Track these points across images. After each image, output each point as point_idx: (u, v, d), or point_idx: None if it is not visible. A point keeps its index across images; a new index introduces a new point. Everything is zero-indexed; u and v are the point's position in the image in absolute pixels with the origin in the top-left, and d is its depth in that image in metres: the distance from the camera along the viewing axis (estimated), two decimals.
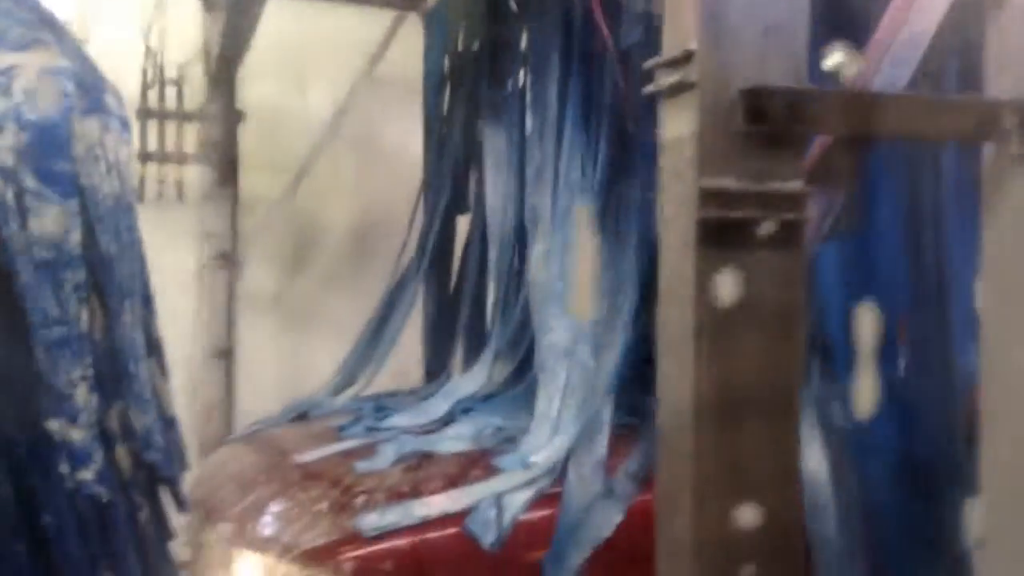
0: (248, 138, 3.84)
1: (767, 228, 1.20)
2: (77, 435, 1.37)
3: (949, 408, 1.88)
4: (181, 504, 1.61)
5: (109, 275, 1.51)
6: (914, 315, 1.91)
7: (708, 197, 1.18)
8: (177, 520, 1.50)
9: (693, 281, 1.20)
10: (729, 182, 1.19)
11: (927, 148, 1.85)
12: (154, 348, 1.65)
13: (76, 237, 1.49)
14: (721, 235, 1.19)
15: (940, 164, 1.88)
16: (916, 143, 1.83)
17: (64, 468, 1.35)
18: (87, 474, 1.37)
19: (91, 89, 1.49)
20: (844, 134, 1.29)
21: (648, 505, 1.93)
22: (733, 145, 1.19)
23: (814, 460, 1.92)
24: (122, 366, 1.51)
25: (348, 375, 3.17)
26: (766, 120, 1.18)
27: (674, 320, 1.26)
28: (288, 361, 4.19)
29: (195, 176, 3.85)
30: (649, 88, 1.26)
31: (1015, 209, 1.31)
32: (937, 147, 1.86)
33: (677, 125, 1.23)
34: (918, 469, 1.89)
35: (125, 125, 1.56)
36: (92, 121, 1.46)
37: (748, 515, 1.18)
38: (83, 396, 1.40)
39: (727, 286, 1.21)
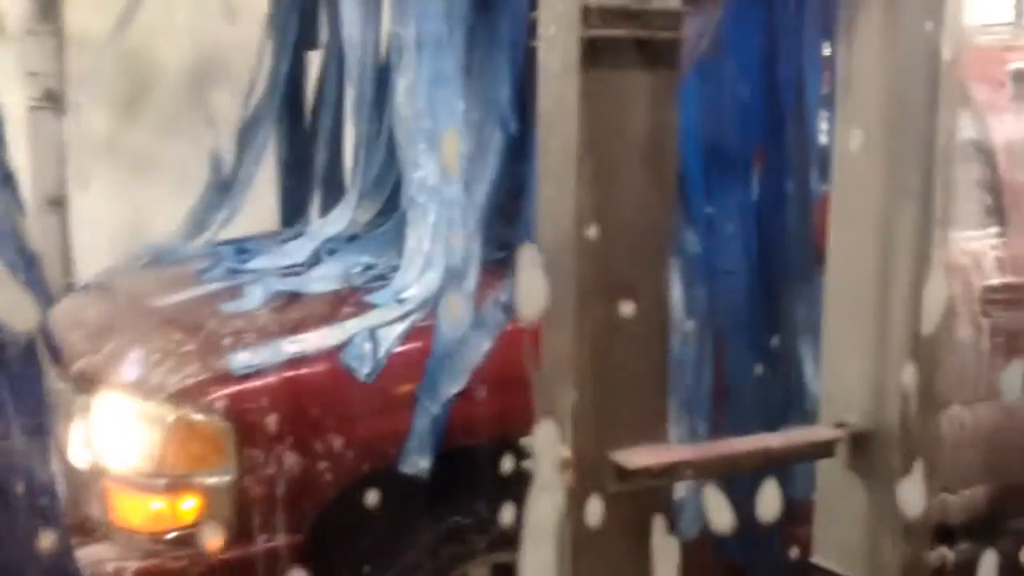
0: None
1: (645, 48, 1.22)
2: None
3: (800, 233, 2.02)
4: (50, 343, 1.55)
5: None
6: (770, 141, 2.01)
7: (591, 15, 1.19)
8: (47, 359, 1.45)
9: (575, 104, 1.22)
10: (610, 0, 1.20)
11: None
12: (7, 180, 1.53)
13: None
14: (603, 55, 1.20)
15: None
16: None
17: None
18: None
19: None
20: None
21: (518, 333, 2.03)
22: None
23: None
24: None
25: (199, 221, 3.05)
26: None
27: (554, 145, 1.28)
28: (128, 210, 3.98)
29: (14, 8, 3.49)
30: None
31: (869, 37, 1.38)
32: None
33: None
34: (769, 289, 2.05)
35: None
36: None
37: (626, 311, 1.25)
38: None
39: (608, 108, 1.23)
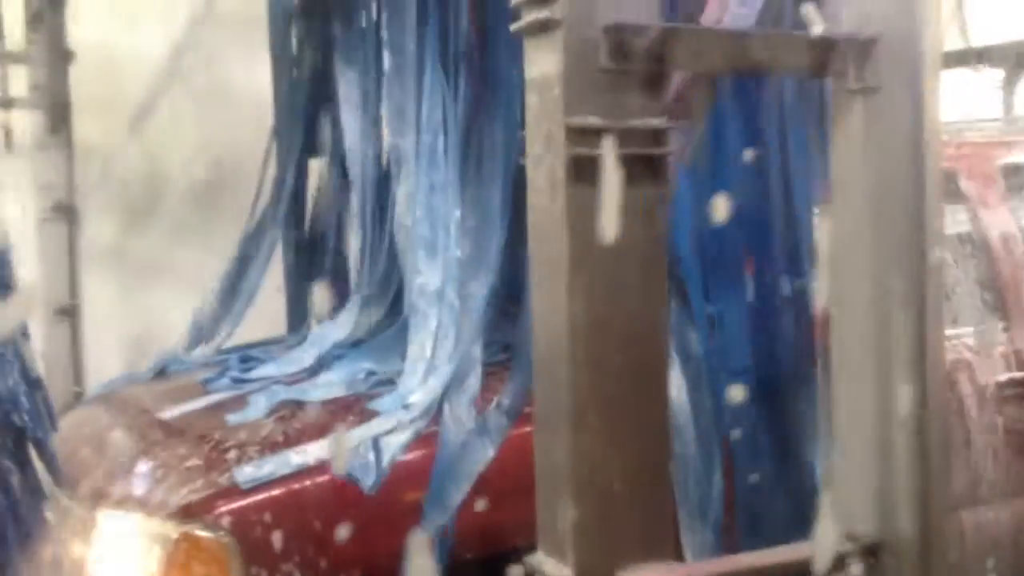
0: (80, 80, 3.59)
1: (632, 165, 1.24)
2: None
3: (797, 332, 2.01)
4: (52, 466, 1.55)
5: None
6: (760, 244, 2.03)
7: (575, 135, 1.21)
8: (48, 482, 1.44)
9: (563, 219, 1.24)
10: (595, 120, 1.22)
11: (772, 83, 1.95)
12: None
13: None
14: (589, 172, 1.22)
15: (783, 98, 1.99)
16: (762, 78, 1.92)
17: None
18: None
19: None
20: (701, 70, 1.34)
21: (522, 439, 2.01)
22: (598, 83, 1.22)
23: (674, 385, 2.02)
24: None
25: (205, 329, 3.08)
26: (628, 58, 1.22)
27: (545, 257, 1.30)
28: (136, 317, 4.02)
29: (24, 123, 3.59)
30: (514, 26, 1.26)
31: (854, 141, 1.41)
32: (781, 81, 1.96)
33: (542, 63, 1.25)
34: (770, 388, 2.03)
35: None
36: None
37: (624, 422, 1.24)
38: None
39: (596, 223, 1.25)
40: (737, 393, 1.95)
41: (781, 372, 2.00)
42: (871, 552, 1.32)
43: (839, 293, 1.42)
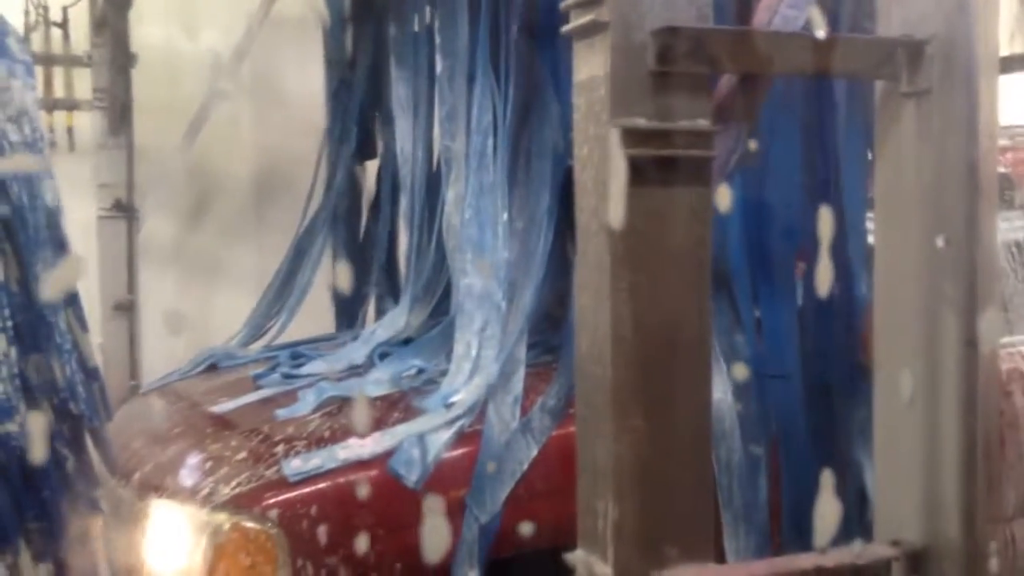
0: (142, 83, 3.69)
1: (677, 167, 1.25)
2: None
3: (845, 335, 1.99)
4: (106, 455, 1.60)
5: (22, 225, 1.47)
6: (811, 247, 2.01)
7: (622, 136, 1.22)
8: (102, 471, 1.49)
9: (609, 219, 1.25)
10: (641, 122, 1.23)
11: (822, 85, 1.93)
12: (71, 299, 1.61)
13: None
14: (634, 173, 1.23)
15: (834, 101, 1.97)
16: (812, 80, 1.90)
17: None
18: (12, 426, 1.34)
19: None
20: (747, 73, 1.34)
21: (565, 438, 2.02)
22: (644, 85, 1.23)
23: (719, 388, 2.02)
24: (39, 317, 1.47)
25: (257, 326, 3.14)
26: (676, 60, 1.22)
27: (591, 258, 1.31)
28: (192, 313, 4.11)
29: (87, 124, 3.70)
30: (563, 28, 1.28)
31: (905, 144, 1.39)
32: (831, 84, 1.94)
33: (590, 65, 1.26)
34: (818, 394, 2.01)
35: (30, 70, 1.50)
36: None
37: (665, 421, 1.24)
38: (2, 347, 1.37)
39: (640, 224, 1.25)
40: (783, 397, 1.93)
41: (829, 376, 1.98)
42: (917, 559, 1.30)
43: (887, 298, 1.40)
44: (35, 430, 1.34)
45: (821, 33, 1.32)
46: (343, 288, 3.19)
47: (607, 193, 1.24)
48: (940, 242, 1.30)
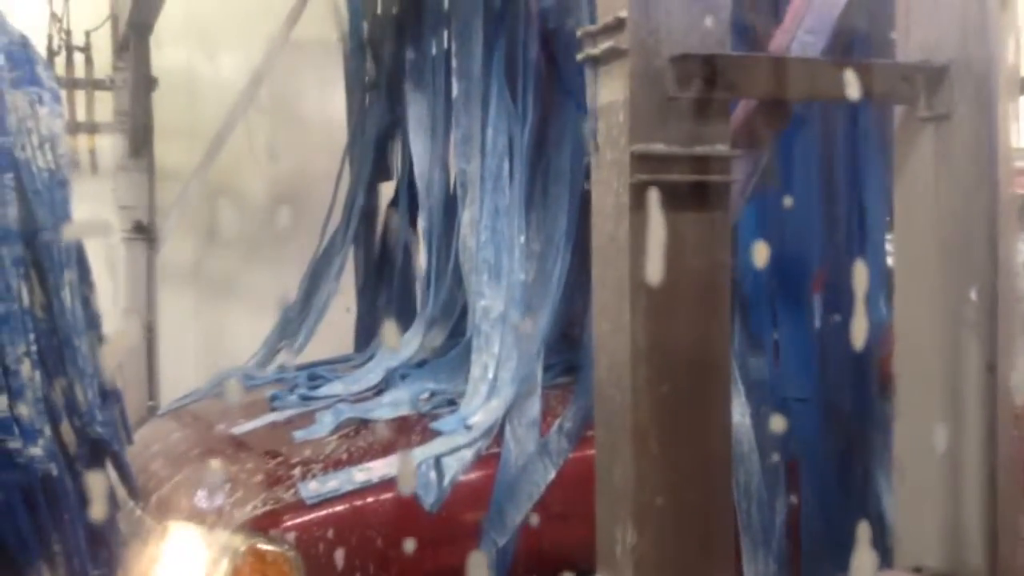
0: (162, 106, 3.74)
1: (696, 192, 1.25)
2: (24, 411, 1.36)
3: (864, 358, 1.98)
4: (126, 477, 1.61)
5: (47, 249, 1.50)
6: (829, 269, 2.00)
7: (640, 161, 1.23)
8: (122, 493, 1.50)
9: (627, 244, 1.25)
10: (659, 147, 1.24)
11: (841, 109, 1.93)
12: (93, 322, 1.63)
13: (12, 212, 1.47)
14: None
15: (854, 124, 1.97)
16: (831, 104, 1.90)
17: (15, 444, 1.33)
18: (36, 450, 1.36)
19: (22, 61, 1.46)
20: (766, 98, 1.34)
21: (582, 461, 2.01)
22: (663, 111, 1.24)
23: (738, 411, 2.01)
24: (63, 341, 1.49)
25: (275, 347, 3.15)
26: (694, 86, 1.23)
27: (609, 282, 1.31)
28: (211, 334, 4.13)
29: (108, 146, 3.74)
30: (581, 54, 1.29)
31: (923, 168, 1.39)
32: (850, 108, 1.94)
33: (609, 91, 1.27)
34: (836, 417, 2.00)
35: (56, 97, 1.53)
36: (24, 94, 1.43)
37: (685, 448, 1.24)
38: (27, 372, 1.39)
39: (659, 248, 1.26)
40: (802, 420, 1.92)
41: (847, 400, 1.97)
42: None
43: (907, 322, 1.40)
44: (58, 454, 1.35)
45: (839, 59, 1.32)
46: (361, 309, 3.20)
47: (623, 217, 1.25)
48: (973, 295, 1.29)
